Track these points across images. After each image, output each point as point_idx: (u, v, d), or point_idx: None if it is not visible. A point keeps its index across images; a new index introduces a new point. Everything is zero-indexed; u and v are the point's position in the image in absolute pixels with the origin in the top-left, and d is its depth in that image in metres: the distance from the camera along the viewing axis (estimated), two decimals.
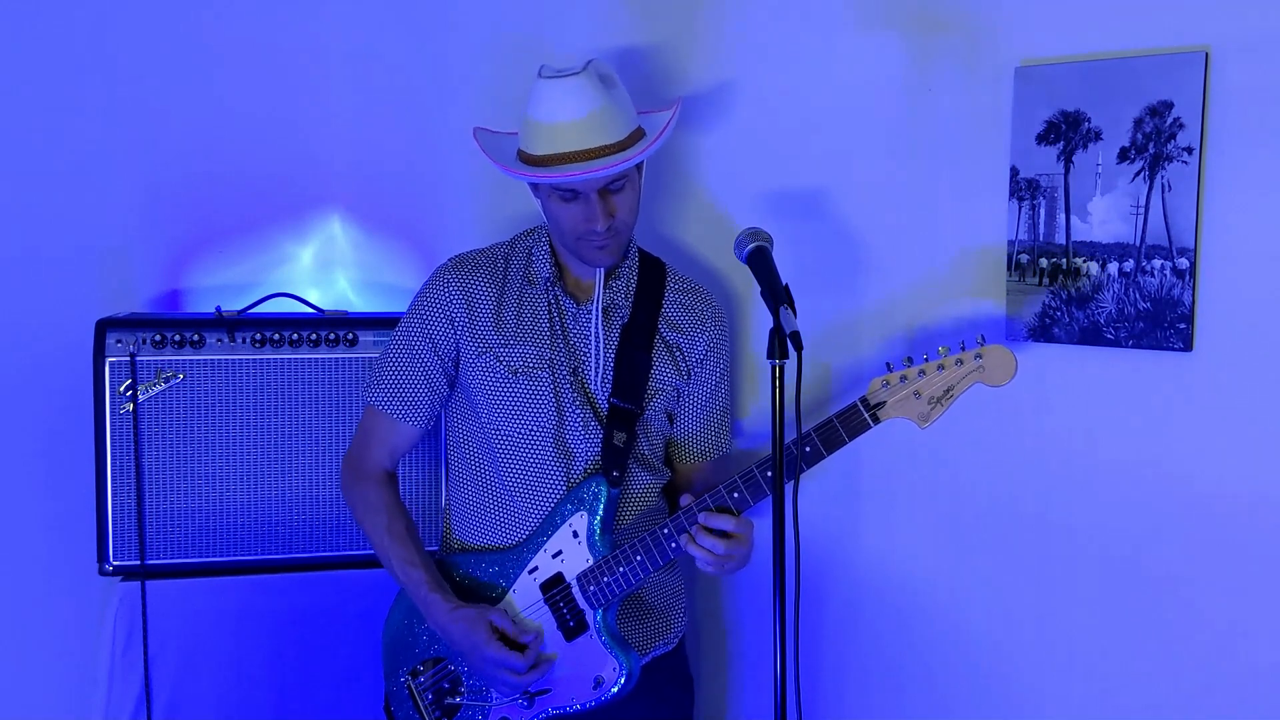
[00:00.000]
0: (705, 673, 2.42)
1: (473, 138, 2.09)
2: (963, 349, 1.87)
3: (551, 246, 2.09)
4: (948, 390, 1.88)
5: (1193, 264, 1.86)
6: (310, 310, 2.52)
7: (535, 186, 2.02)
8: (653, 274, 2.13)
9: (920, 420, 1.89)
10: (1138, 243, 1.91)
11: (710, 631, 2.45)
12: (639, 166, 2.02)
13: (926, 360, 1.88)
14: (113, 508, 2.34)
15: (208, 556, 2.37)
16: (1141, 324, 1.92)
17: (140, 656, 2.32)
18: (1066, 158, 1.96)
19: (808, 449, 1.91)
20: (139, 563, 2.34)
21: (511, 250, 2.14)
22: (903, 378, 1.88)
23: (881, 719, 2.27)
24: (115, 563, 2.34)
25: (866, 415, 1.90)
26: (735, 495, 1.94)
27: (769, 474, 1.93)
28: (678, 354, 2.10)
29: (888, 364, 1.91)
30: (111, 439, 2.33)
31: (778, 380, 1.60)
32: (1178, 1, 1.86)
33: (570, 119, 1.91)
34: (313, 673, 2.41)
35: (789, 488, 1.64)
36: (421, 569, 2.06)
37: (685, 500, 1.99)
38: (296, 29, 2.68)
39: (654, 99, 2.23)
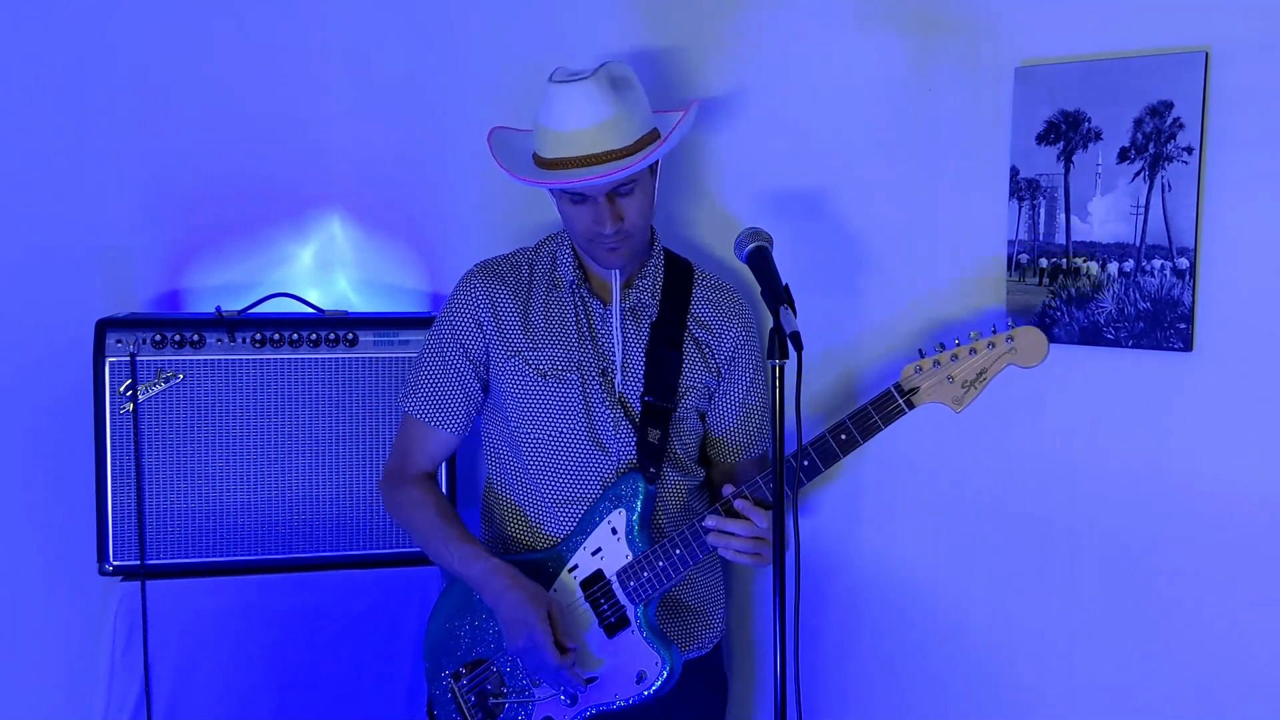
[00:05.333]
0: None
1: (485, 140, 2.09)
2: (994, 332, 1.89)
3: (574, 250, 2.11)
4: (981, 373, 1.89)
5: (1193, 264, 1.86)
6: (310, 310, 2.53)
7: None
8: (680, 274, 2.15)
9: (954, 404, 1.91)
10: (1138, 243, 1.91)
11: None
12: (652, 168, 2.03)
13: (958, 344, 1.90)
14: (113, 508, 2.34)
15: (208, 556, 2.37)
16: (1141, 324, 1.92)
17: (140, 656, 2.32)
18: (1066, 158, 1.96)
19: (843, 437, 1.92)
20: (139, 563, 2.34)
21: (535, 255, 2.16)
22: (935, 362, 1.90)
23: (882, 719, 2.28)
24: (115, 563, 2.34)
25: (901, 401, 1.91)
26: (773, 485, 1.94)
27: (804, 462, 1.94)
28: (707, 351, 2.12)
29: (920, 350, 1.92)
30: (111, 439, 2.33)
31: (778, 380, 1.61)
32: (1178, 1, 1.85)
33: (576, 128, 1.92)
34: (313, 673, 2.41)
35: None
36: (479, 544, 2.06)
37: (728, 490, 1.98)
38: (297, 28, 2.68)
39: (658, 98, 2.23)
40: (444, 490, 2.42)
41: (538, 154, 1.99)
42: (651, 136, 2.00)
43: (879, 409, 1.92)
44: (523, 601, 1.96)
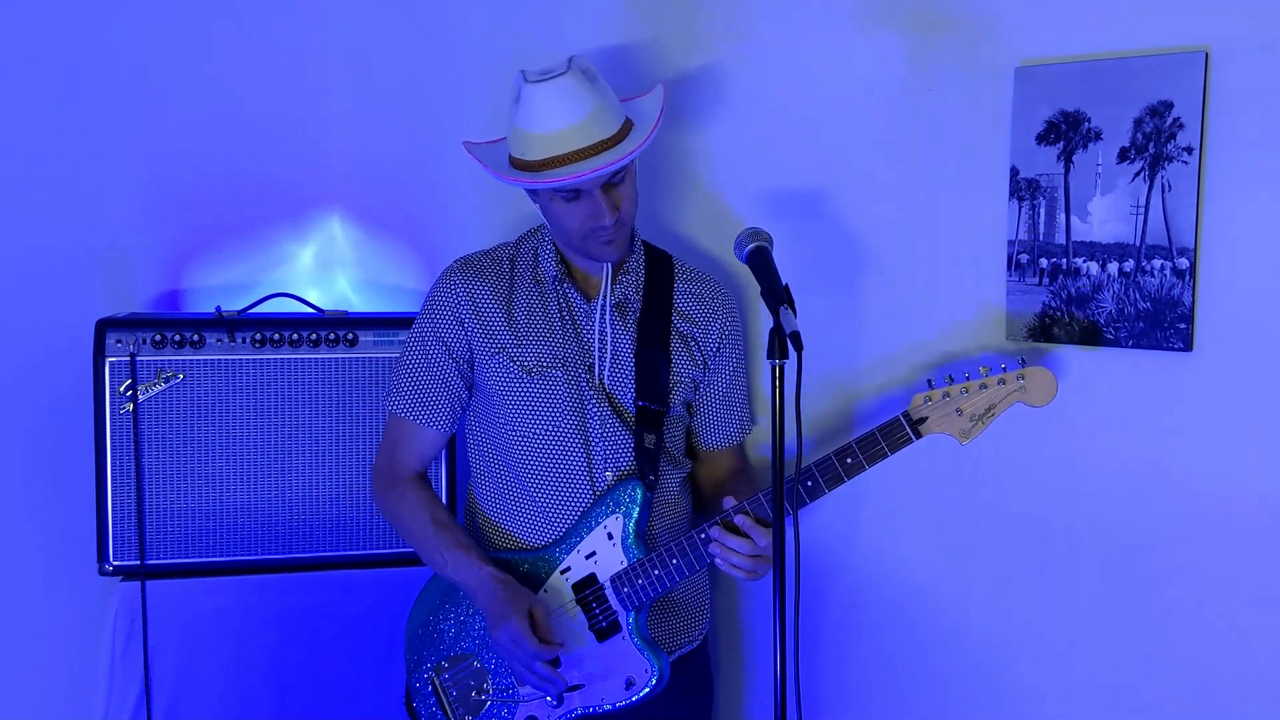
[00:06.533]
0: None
1: (484, 141, 2.09)
2: (1004, 369, 1.90)
3: (555, 245, 2.10)
4: (989, 408, 1.91)
5: (1193, 264, 1.86)
6: (310, 310, 2.52)
7: (534, 191, 2.02)
8: (661, 267, 2.14)
9: (961, 436, 1.92)
10: (1138, 243, 1.91)
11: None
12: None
13: (969, 378, 1.91)
14: (113, 508, 2.33)
15: (208, 556, 2.37)
16: (1141, 324, 1.92)
17: (140, 656, 2.32)
18: (1066, 158, 1.96)
19: (849, 460, 1.93)
20: (139, 563, 2.34)
21: (517, 250, 2.14)
22: (945, 394, 1.92)
23: (882, 719, 2.28)
24: (115, 563, 2.34)
25: (909, 429, 1.92)
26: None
27: (808, 483, 1.94)
28: (693, 345, 2.12)
29: (929, 381, 1.93)
30: (111, 439, 2.33)
31: (778, 380, 1.61)
32: (1178, 1, 1.86)
33: (565, 126, 1.90)
34: (313, 673, 2.41)
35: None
36: (475, 550, 2.05)
37: (729, 504, 1.97)
38: (297, 29, 2.68)
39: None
40: (444, 487, 2.43)
41: (519, 158, 1.97)
42: (629, 125, 1.99)
43: (886, 436, 1.93)
44: (506, 598, 1.96)
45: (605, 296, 2.06)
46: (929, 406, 1.92)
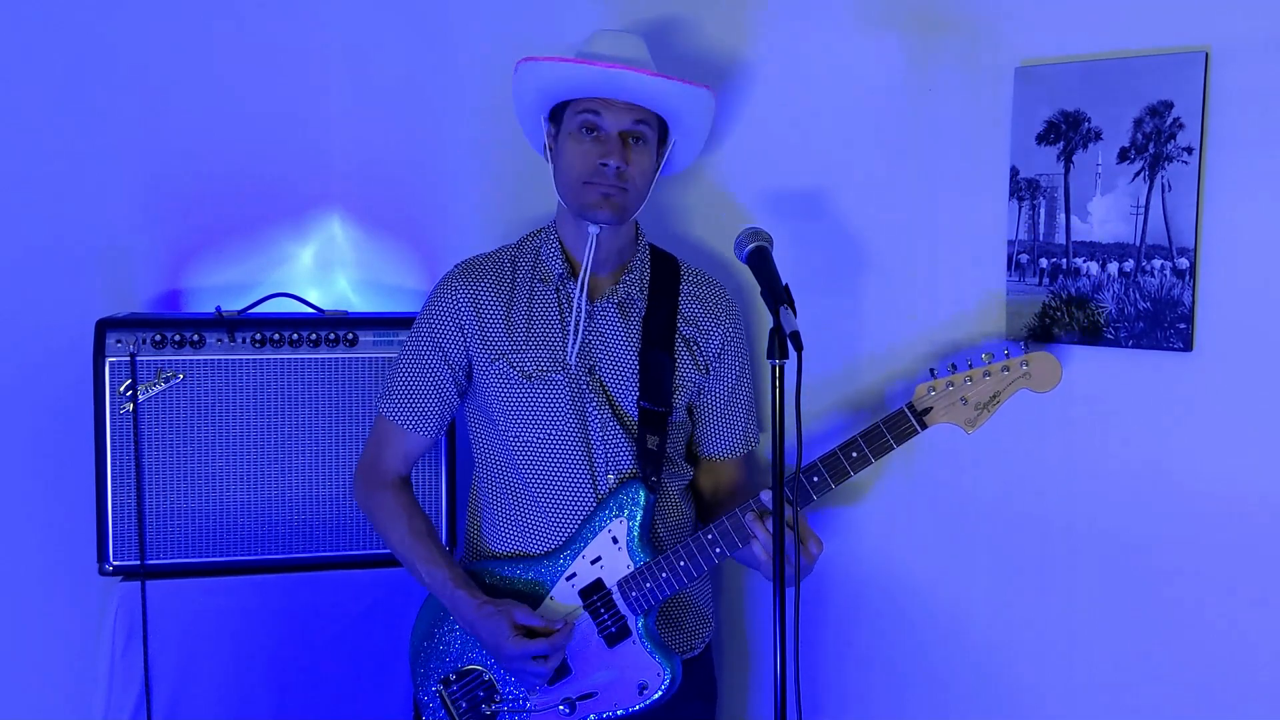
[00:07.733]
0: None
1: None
2: (1007, 356, 1.89)
3: (561, 243, 2.09)
4: (994, 396, 1.90)
5: (1193, 264, 1.86)
6: (310, 310, 2.52)
7: (558, 128, 2.03)
8: (666, 269, 2.13)
9: (967, 426, 1.91)
10: (1138, 243, 1.91)
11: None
12: (659, 150, 2.04)
13: (972, 367, 1.91)
14: (113, 508, 2.33)
15: (208, 556, 2.37)
16: (1141, 324, 1.92)
17: (140, 656, 2.32)
18: (1066, 158, 1.96)
19: (855, 455, 1.92)
20: (139, 563, 2.34)
21: (519, 252, 2.13)
22: (949, 384, 1.91)
23: (882, 719, 2.28)
24: (115, 563, 2.34)
25: (914, 421, 1.91)
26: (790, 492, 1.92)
27: (814, 479, 1.93)
28: (695, 349, 2.11)
29: (931, 370, 1.93)
30: (111, 439, 2.32)
31: (778, 380, 1.61)
32: (1178, 1, 1.86)
33: (622, 55, 1.97)
34: (313, 673, 2.40)
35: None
36: (445, 567, 2.05)
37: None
38: (297, 28, 2.68)
39: None
40: (444, 489, 2.43)
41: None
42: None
43: (892, 428, 1.92)
44: (490, 628, 1.96)
45: (586, 269, 2.03)
46: (933, 396, 1.91)
